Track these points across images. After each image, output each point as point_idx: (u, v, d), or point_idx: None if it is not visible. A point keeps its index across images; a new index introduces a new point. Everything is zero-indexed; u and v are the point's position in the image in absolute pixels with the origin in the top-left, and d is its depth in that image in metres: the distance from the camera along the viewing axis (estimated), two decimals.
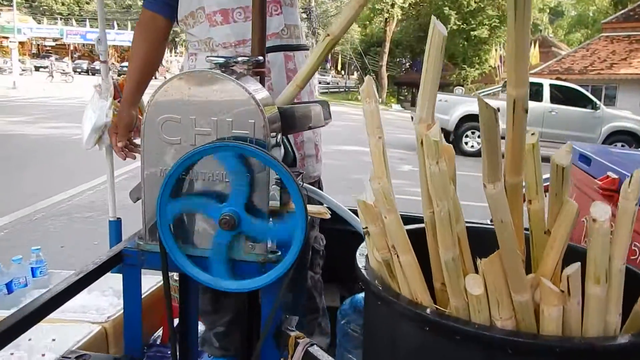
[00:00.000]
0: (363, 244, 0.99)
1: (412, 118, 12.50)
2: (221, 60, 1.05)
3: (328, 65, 54.15)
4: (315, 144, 1.70)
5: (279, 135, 1.10)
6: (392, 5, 27.81)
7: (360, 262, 0.94)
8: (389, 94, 30.91)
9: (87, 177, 6.15)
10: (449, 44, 28.22)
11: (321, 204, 1.60)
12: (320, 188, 1.72)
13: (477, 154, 11.01)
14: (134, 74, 1.63)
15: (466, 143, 11.24)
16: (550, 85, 11.44)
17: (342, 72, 46.68)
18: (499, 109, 0.59)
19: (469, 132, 11.22)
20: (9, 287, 1.87)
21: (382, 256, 0.81)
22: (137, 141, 1.72)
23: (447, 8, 27.10)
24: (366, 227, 0.87)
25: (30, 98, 18.17)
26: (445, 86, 27.86)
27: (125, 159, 1.72)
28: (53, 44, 39.71)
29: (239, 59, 1.09)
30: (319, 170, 1.73)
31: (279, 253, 1.04)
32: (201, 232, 1.04)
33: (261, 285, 1.01)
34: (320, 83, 38.22)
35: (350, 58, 36.11)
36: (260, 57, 1.27)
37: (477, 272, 0.77)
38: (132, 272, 1.09)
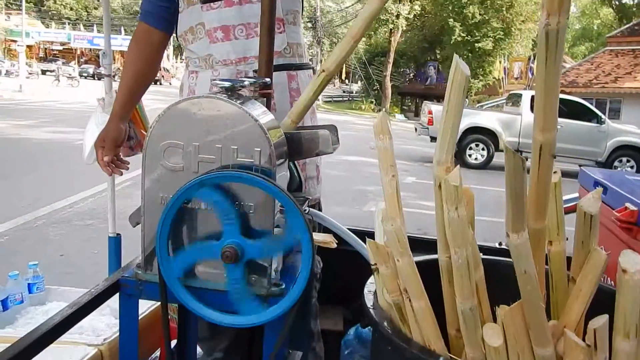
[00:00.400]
0: (371, 279, 0.94)
1: (415, 129, 12.46)
2: (227, 84, 1.01)
3: None
4: (317, 165, 1.67)
5: (286, 161, 1.06)
6: (397, 16, 27.89)
7: (369, 300, 0.89)
8: (392, 104, 30.90)
9: (89, 184, 6.12)
10: (453, 55, 28.32)
11: (324, 227, 1.56)
12: (320, 210, 1.68)
13: (480, 166, 10.98)
14: (126, 87, 1.59)
15: (470, 155, 11.21)
16: None
17: (346, 81, 46.77)
18: (521, 149, 0.54)
19: (472, 145, 11.19)
20: (5, 304, 1.82)
21: (393, 299, 0.76)
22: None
23: (451, 20, 27.17)
24: (375, 264, 0.82)
25: (35, 102, 18.21)
26: None
27: (111, 175, 1.67)
28: (60, 48, 39.92)
29: (245, 82, 1.05)
30: (320, 192, 1.70)
31: (283, 286, 1.00)
32: (202, 263, 0.99)
33: (264, 322, 0.96)
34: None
35: (355, 67, 36.16)
36: (268, 79, 1.23)
37: (494, 319, 0.72)
38: (130, 303, 1.05)
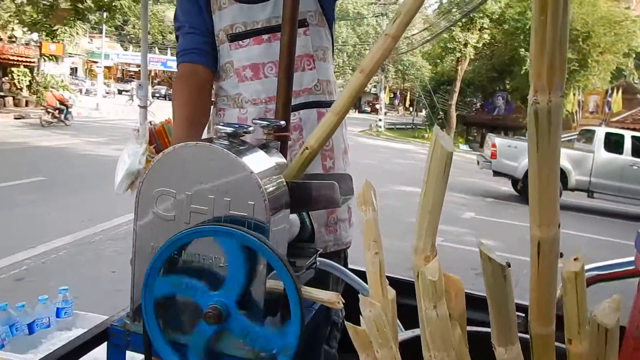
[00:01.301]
0: None
1: (477, 162, 12.06)
2: (229, 129, 0.95)
3: (396, 102, 54.13)
4: (349, 207, 1.58)
5: (286, 213, 0.98)
6: (465, 45, 27.49)
7: None
8: (457, 134, 30.31)
9: None
10: (523, 85, 27.43)
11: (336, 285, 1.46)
12: (345, 255, 1.58)
13: None
14: (178, 135, 1.41)
15: None
16: (632, 137, 10.75)
17: (411, 108, 46.43)
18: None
19: None
20: (31, 327, 1.84)
21: None
22: None
23: (523, 49, 26.43)
24: None
25: (109, 120, 19.30)
26: (517, 129, 26.95)
27: None
28: (136, 69, 42.30)
29: (250, 128, 0.99)
30: (351, 236, 1.60)
31: (274, 351, 0.91)
32: (190, 319, 0.93)
33: None
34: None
35: (419, 95, 35.85)
36: (282, 122, 1.17)
37: None
38: (117, 353, 1.00)
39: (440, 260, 0.57)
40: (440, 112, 31.20)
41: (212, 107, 1.58)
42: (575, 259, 0.63)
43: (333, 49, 1.58)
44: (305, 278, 1.13)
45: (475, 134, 32.84)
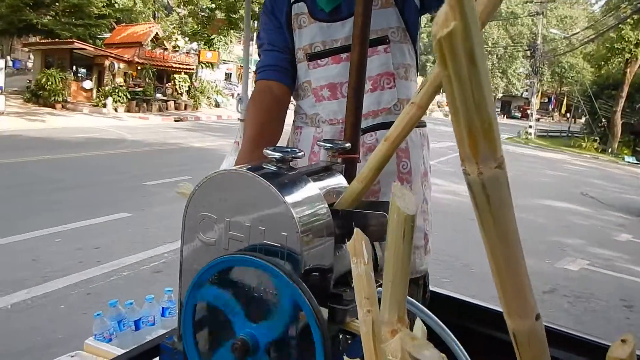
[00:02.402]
0: None
1: None
2: (277, 154, 0.92)
3: (550, 107, 50.07)
4: (425, 234, 1.46)
5: (328, 244, 0.91)
6: (636, 45, 24.43)
7: None
8: (622, 144, 27.07)
9: None
10: None
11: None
12: (426, 284, 1.46)
13: None
14: (241, 153, 1.38)
15: None
16: None
17: (567, 115, 42.60)
18: None
19: None
20: (137, 324, 1.98)
21: None
22: None
23: None
24: None
25: None
26: None
27: None
28: None
29: (300, 153, 0.95)
30: (427, 264, 1.48)
31: None
32: (222, 344, 0.91)
33: None
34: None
35: (578, 100, 32.74)
36: (348, 144, 1.11)
37: None
38: None
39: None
40: (603, 120, 28.17)
41: (291, 124, 1.56)
42: (622, 341, 0.49)
43: (417, 66, 1.47)
44: None
45: None
